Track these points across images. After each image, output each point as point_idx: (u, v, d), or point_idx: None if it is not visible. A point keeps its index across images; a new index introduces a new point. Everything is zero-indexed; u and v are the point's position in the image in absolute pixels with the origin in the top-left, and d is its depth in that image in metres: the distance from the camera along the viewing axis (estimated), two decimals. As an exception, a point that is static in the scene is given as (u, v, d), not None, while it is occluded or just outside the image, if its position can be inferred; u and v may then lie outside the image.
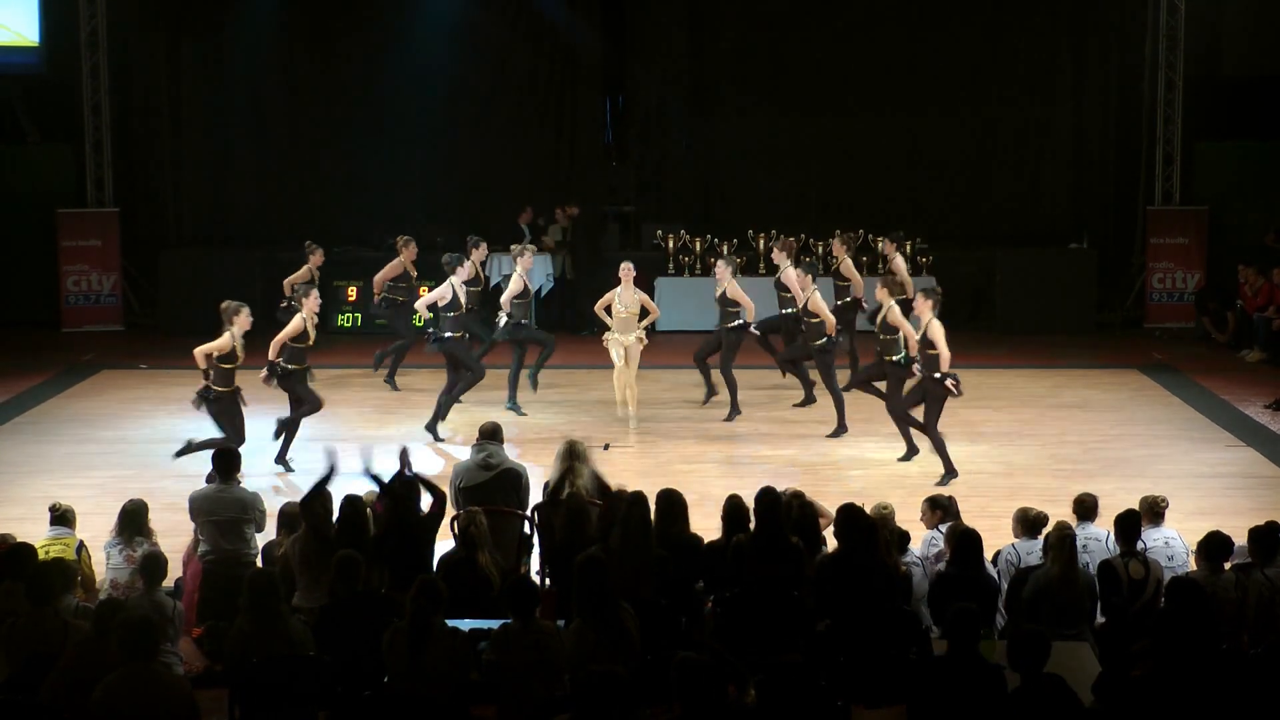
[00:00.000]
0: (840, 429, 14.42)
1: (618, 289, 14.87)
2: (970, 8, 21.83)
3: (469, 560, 8.60)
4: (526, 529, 9.93)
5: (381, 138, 21.95)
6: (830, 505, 9.09)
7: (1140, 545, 9.08)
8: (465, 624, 7.70)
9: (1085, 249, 20.65)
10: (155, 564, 8.59)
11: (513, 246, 16.43)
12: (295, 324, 13.17)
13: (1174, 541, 9.31)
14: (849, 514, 8.49)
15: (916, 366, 12.90)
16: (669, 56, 22.13)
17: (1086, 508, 9.50)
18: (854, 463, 13.62)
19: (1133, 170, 21.53)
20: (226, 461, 9.73)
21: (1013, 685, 6.72)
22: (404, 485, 9.36)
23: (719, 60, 22.16)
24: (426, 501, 9.30)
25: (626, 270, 14.90)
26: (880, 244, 18.23)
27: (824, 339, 14.43)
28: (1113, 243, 21.45)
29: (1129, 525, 8.87)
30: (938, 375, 12.68)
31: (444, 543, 9.34)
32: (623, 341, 14.80)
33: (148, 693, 6.70)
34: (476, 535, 8.68)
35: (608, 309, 14.86)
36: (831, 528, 8.68)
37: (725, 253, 17.46)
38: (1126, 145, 21.68)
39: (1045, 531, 9.00)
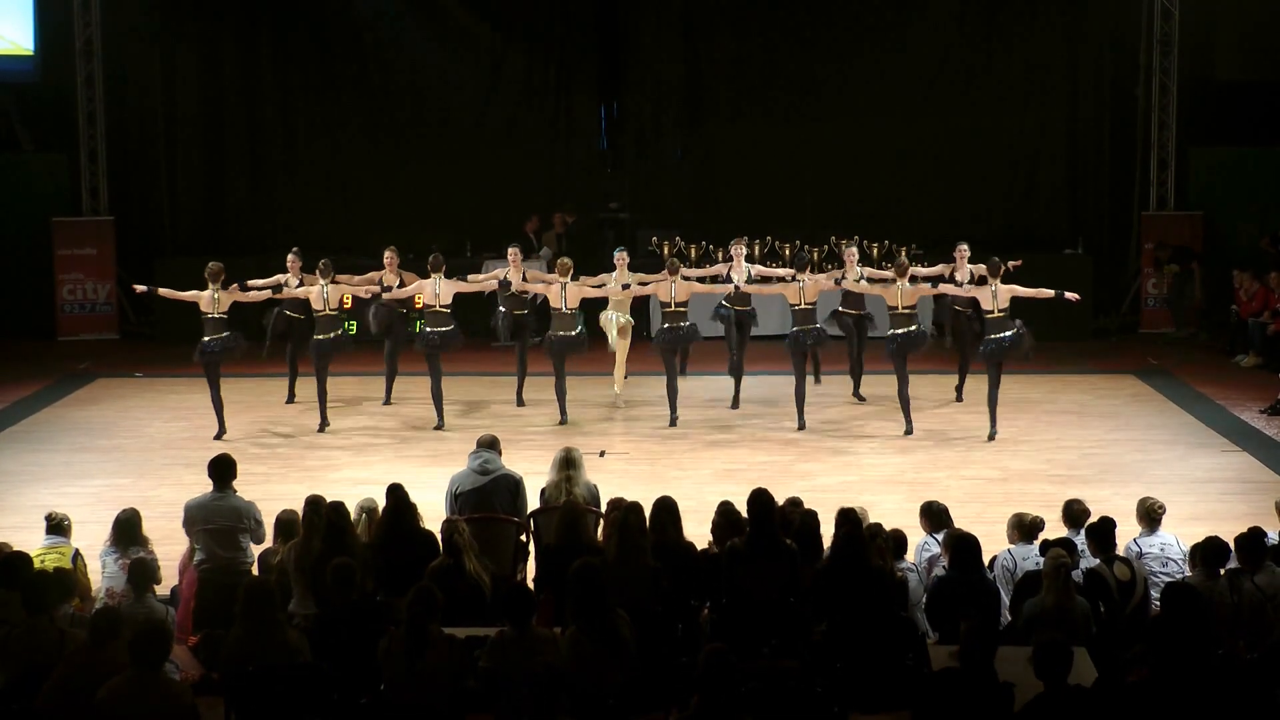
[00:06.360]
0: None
1: (613, 273, 15.54)
2: (965, 14, 21.83)
3: (457, 568, 8.60)
4: (523, 536, 9.94)
5: (377, 146, 21.93)
6: (826, 511, 9.08)
7: (1136, 551, 9.08)
8: (461, 631, 7.69)
9: (1080, 255, 20.66)
10: (143, 569, 8.58)
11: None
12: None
13: (1170, 547, 9.28)
14: (844, 519, 8.49)
15: None
16: (664, 63, 22.10)
17: (1075, 514, 9.47)
18: (849, 467, 13.62)
19: (1127, 176, 21.54)
20: (222, 469, 9.72)
21: (1033, 693, 6.67)
22: (396, 496, 9.32)
23: (713, 67, 22.14)
24: None
25: (621, 257, 15.65)
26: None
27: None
28: (1108, 248, 21.48)
29: (1103, 532, 8.82)
30: None
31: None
32: (616, 321, 15.70)
33: (151, 698, 6.73)
34: (460, 542, 8.66)
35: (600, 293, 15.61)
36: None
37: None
38: (1121, 151, 21.67)
39: (1042, 545, 8.95)
